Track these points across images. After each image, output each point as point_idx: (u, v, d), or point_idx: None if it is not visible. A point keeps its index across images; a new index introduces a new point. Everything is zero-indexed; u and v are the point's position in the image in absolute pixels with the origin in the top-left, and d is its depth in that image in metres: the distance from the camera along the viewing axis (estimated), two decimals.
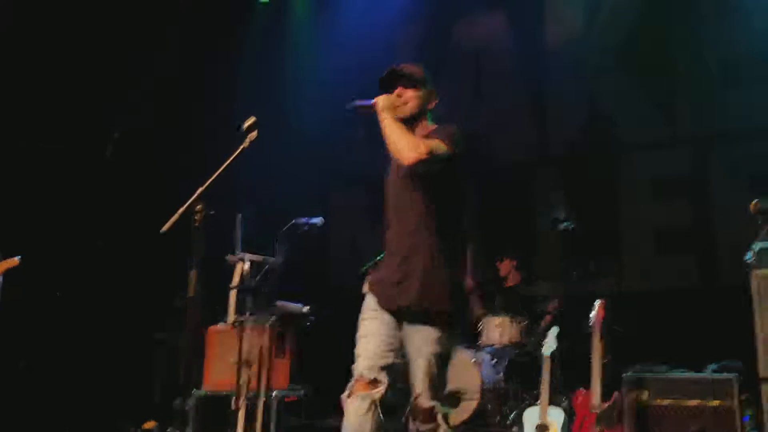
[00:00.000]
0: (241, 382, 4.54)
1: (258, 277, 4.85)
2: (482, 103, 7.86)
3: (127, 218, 6.98)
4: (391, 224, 3.28)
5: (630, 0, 7.21)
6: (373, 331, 3.06)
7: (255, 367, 4.65)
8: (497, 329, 5.76)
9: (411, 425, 3.05)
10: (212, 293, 5.92)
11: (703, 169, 6.70)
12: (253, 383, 4.63)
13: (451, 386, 5.53)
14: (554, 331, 5.35)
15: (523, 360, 5.84)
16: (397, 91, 3.24)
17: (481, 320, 5.93)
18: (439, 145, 3.04)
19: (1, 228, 5.64)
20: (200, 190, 3.75)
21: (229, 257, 4.90)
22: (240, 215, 5.18)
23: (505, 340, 5.74)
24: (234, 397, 4.58)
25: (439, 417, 2.99)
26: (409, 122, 3.19)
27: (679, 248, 6.66)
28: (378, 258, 6.50)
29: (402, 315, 3.05)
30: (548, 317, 6.00)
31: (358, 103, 3.29)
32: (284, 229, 5.03)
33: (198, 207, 3.81)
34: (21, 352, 6.50)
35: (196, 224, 3.86)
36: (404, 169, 3.12)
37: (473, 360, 5.56)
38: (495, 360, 5.74)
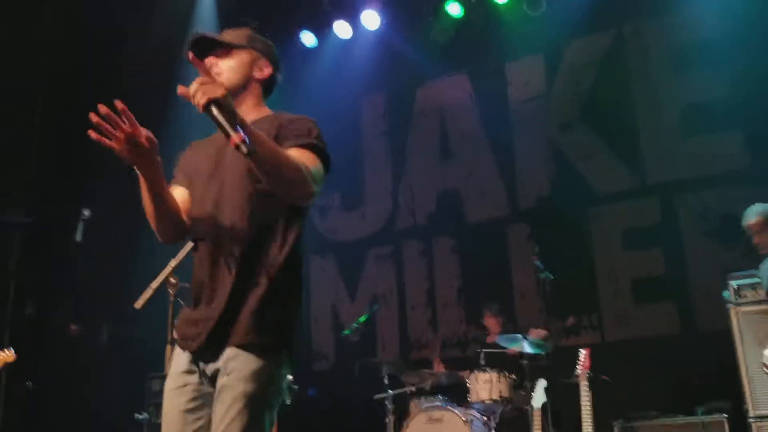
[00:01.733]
0: None
1: None
2: (450, 161, 7.97)
3: (98, 296, 6.86)
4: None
5: (588, 56, 7.44)
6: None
7: None
8: (485, 385, 5.68)
9: None
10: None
11: (672, 217, 6.81)
12: None
13: None
14: (542, 383, 5.31)
15: (513, 415, 5.76)
16: (209, 60, 2.46)
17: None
18: (316, 159, 2.39)
19: None
20: (173, 262, 3.71)
21: None
22: None
23: (495, 395, 5.66)
24: None
25: None
26: (233, 95, 2.23)
27: (656, 296, 6.70)
28: (356, 324, 6.51)
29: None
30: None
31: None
32: None
33: (172, 280, 3.77)
34: None
35: (172, 297, 3.81)
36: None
37: (463, 419, 5.46)
38: (485, 417, 5.65)
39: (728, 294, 5.09)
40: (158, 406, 6.54)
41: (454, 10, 7.76)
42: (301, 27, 8.25)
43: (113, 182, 7.58)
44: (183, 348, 2.39)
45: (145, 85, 7.49)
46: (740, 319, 5.01)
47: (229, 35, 2.57)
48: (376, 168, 8.37)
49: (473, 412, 5.71)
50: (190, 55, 2.23)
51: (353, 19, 8.07)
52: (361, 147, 8.50)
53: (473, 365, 6.10)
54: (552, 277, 5.92)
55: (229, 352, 2.26)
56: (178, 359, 2.40)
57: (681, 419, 5.30)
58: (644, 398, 5.82)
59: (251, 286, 2.31)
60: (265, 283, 2.31)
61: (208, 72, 2.20)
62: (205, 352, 2.31)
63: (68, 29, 7.30)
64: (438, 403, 5.74)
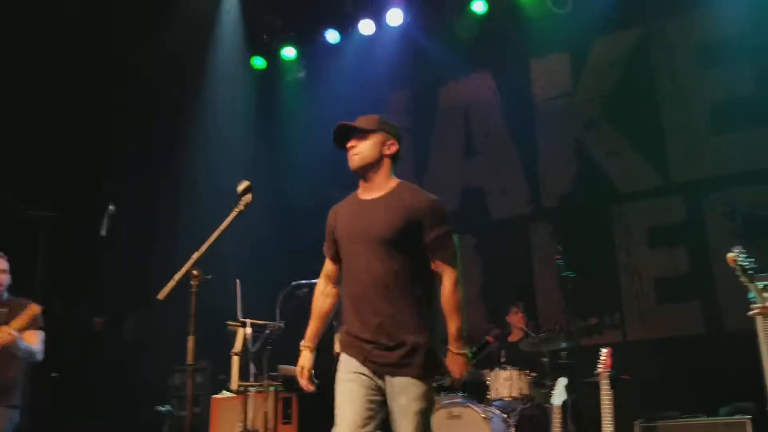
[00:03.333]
0: None
1: (259, 342, 4.80)
2: (473, 159, 7.96)
3: (122, 289, 6.95)
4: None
5: (614, 54, 7.38)
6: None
7: None
8: (506, 383, 5.68)
9: None
10: (215, 362, 5.89)
11: (697, 215, 6.75)
12: None
13: None
14: (563, 381, 5.28)
15: (533, 412, 5.75)
16: (351, 143, 3.22)
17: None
18: (453, 252, 3.12)
19: None
20: (196, 255, 3.74)
21: (230, 323, 4.86)
22: (239, 281, 5.18)
23: (515, 393, 5.65)
24: None
25: None
26: (370, 169, 3.19)
27: (680, 295, 6.64)
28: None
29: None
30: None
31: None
32: (285, 292, 5.01)
33: (195, 272, 3.80)
34: None
35: (193, 290, 3.85)
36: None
37: (483, 415, 5.46)
38: (505, 414, 5.64)
39: (754, 295, 5.02)
40: (180, 399, 6.68)
41: (479, 7, 7.75)
42: (325, 24, 8.28)
43: (136, 177, 7.74)
44: None
45: (171, 80, 7.60)
46: (766, 320, 4.94)
47: (364, 122, 3.23)
48: (400, 165, 8.34)
49: (493, 409, 5.70)
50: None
51: (377, 16, 8.10)
52: None
53: (493, 363, 6.09)
54: (574, 275, 5.89)
55: None
56: None
57: (703, 419, 5.24)
58: (666, 398, 5.78)
59: None
60: None
61: None
62: None
63: (90, 24, 7.40)
64: (458, 400, 5.74)
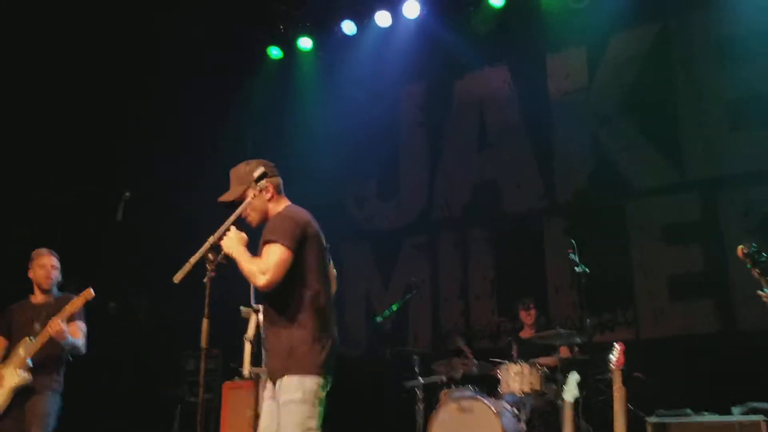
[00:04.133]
0: None
1: None
2: (488, 153, 7.93)
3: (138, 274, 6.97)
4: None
5: (632, 49, 7.33)
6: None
7: None
8: (517, 377, 5.65)
9: None
10: (227, 348, 5.88)
11: (713, 213, 6.69)
12: None
13: None
14: (575, 377, 5.25)
15: (545, 408, 5.72)
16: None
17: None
18: (277, 255, 3.39)
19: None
20: (211, 239, 3.72)
21: (243, 309, 4.84)
22: None
23: (526, 388, 5.62)
24: None
25: None
26: (266, 219, 3.64)
27: (694, 293, 6.59)
28: (388, 312, 6.53)
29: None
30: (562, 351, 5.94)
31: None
32: None
33: (210, 256, 3.79)
34: None
35: (209, 273, 3.84)
36: None
37: (494, 410, 5.44)
38: (516, 408, 5.62)
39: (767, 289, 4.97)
40: (192, 384, 6.69)
41: (496, 0, 7.71)
42: (342, 15, 8.27)
43: (153, 162, 7.75)
44: None
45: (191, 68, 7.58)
46: None
47: (233, 189, 3.66)
48: (413, 158, 8.37)
49: (504, 403, 5.68)
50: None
51: (394, 8, 8.07)
52: (398, 137, 8.50)
53: (504, 357, 6.07)
54: (588, 271, 5.85)
55: None
56: None
57: (716, 418, 5.19)
58: (679, 396, 5.72)
59: None
60: None
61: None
62: None
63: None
64: (469, 393, 5.72)
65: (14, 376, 4.78)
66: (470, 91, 8.19)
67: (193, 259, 3.58)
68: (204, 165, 8.30)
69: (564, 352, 5.94)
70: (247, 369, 4.66)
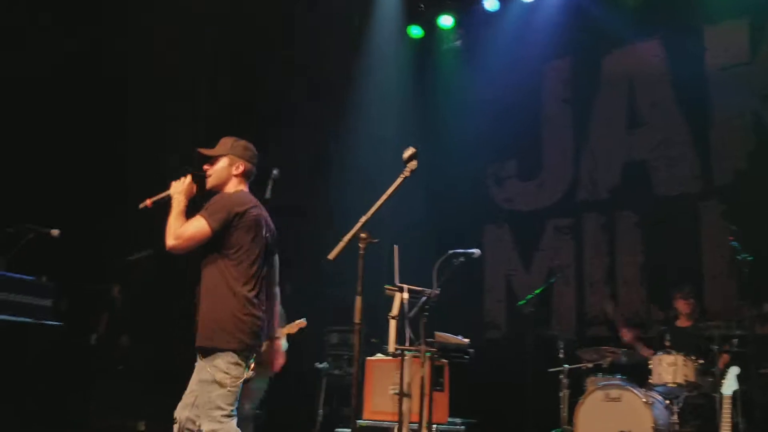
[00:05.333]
0: (401, 413, 4.47)
1: (416, 308, 4.80)
2: (638, 131, 7.55)
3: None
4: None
5: None
6: None
7: (415, 399, 4.58)
8: (670, 368, 5.38)
9: None
10: (366, 325, 5.96)
11: None
12: (413, 415, 4.56)
13: (620, 427, 5.22)
14: (734, 370, 4.94)
15: (699, 401, 5.43)
16: (205, 166, 3.87)
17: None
18: (198, 229, 3.62)
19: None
20: (364, 218, 3.76)
21: (387, 288, 4.89)
22: (397, 246, 5.20)
23: (679, 379, 5.35)
24: (394, 429, 4.53)
25: None
26: (221, 187, 3.85)
27: None
28: (531, 296, 6.40)
29: None
30: (725, 356, 5.56)
31: (152, 200, 3.81)
32: (442, 260, 4.97)
33: (363, 235, 3.83)
34: None
35: (361, 252, 3.88)
36: None
37: (644, 400, 5.21)
38: (668, 400, 5.36)
39: None
40: (336, 357, 6.84)
41: None
42: None
43: (300, 141, 7.96)
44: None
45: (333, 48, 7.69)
46: None
47: (217, 148, 3.90)
48: (557, 136, 8.10)
49: (654, 394, 5.44)
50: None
51: None
52: (541, 114, 8.25)
53: (656, 346, 5.81)
54: (751, 259, 5.46)
55: None
56: None
57: None
58: None
59: None
60: None
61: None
62: None
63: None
64: (617, 382, 5.52)
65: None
66: (619, 66, 7.81)
67: (346, 238, 3.65)
68: (343, 145, 8.46)
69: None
70: (392, 346, 4.71)
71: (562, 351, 6.09)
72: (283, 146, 7.63)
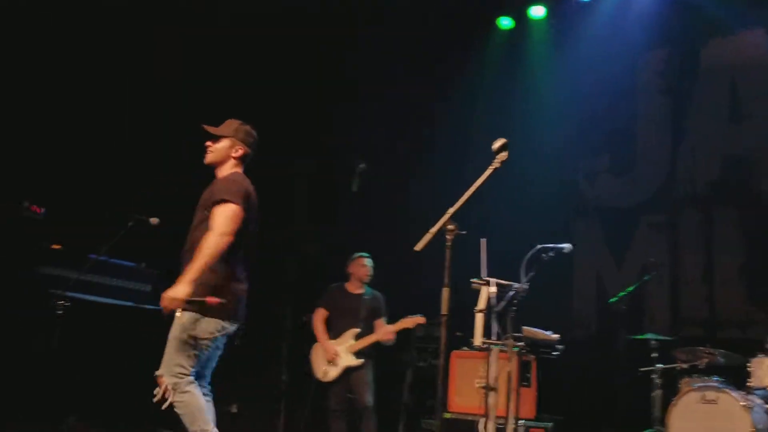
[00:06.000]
0: (488, 407, 4.44)
1: (503, 302, 4.75)
2: (741, 125, 7.20)
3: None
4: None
5: None
6: None
7: (501, 394, 4.55)
8: None
9: None
10: (454, 317, 5.96)
11: None
12: (500, 410, 4.52)
13: (716, 430, 5.02)
14: None
15: None
16: (207, 143, 4.13)
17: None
18: (231, 212, 3.86)
19: None
20: (452, 209, 3.76)
21: (474, 281, 4.86)
22: (484, 240, 5.16)
23: None
24: (480, 422, 4.50)
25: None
26: (218, 165, 4.13)
27: None
28: (623, 293, 6.22)
29: None
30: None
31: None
32: (530, 254, 4.90)
33: (450, 226, 3.83)
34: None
35: (448, 243, 3.88)
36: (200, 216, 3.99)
37: (742, 403, 4.99)
38: None
39: None
40: (421, 349, 6.85)
41: None
42: None
43: (381, 135, 8.00)
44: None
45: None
46: None
47: (222, 128, 4.16)
48: (652, 130, 7.81)
49: (754, 398, 5.21)
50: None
51: None
52: (635, 107, 7.97)
53: (755, 348, 5.54)
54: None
55: None
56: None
57: None
58: None
59: None
60: None
61: None
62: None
63: None
64: (713, 384, 5.31)
65: (350, 359, 5.86)
66: (720, 56, 7.45)
67: (434, 229, 3.66)
68: (431, 139, 8.45)
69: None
70: (478, 340, 4.68)
71: (655, 351, 5.90)
72: (377, 134, 7.67)
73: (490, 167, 3.78)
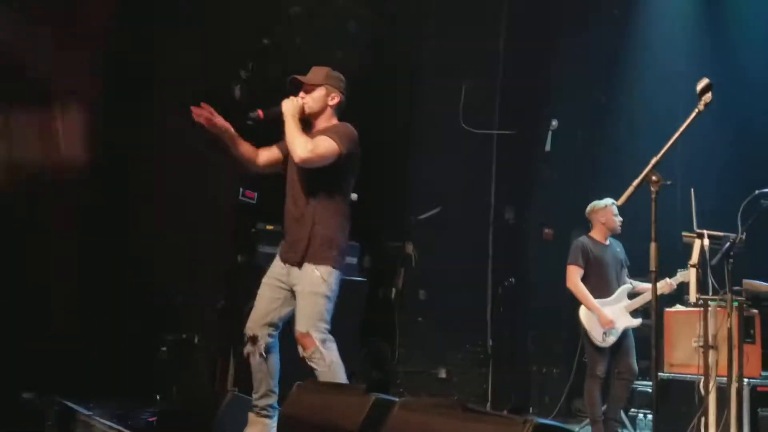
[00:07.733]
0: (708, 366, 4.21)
1: (719, 255, 4.45)
2: None
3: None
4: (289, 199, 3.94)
5: None
6: (261, 295, 3.91)
7: (722, 352, 4.28)
8: None
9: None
10: (662, 274, 5.69)
11: None
12: (721, 369, 4.27)
13: None
14: None
15: None
16: (300, 94, 3.89)
17: None
18: (328, 147, 3.71)
19: None
20: (654, 159, 3.58)
21: (685, 234, 4.61)
22: (694, 189, 4.87)
23: None
24: (699, 382, 4.28)
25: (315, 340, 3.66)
26: (316, 117, 3.92)
27: None
28: None
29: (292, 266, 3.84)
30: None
31: (263, 111, 3.83)
32: (747, 201, 4.54)
33: (654, 177, 3.65)
34: None
35: (653, 196, 3.70)
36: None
37: None
38: None
39: None
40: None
41: None
42: None
43: (574, 96, 7.70)
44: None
45: None
46: None
47: (312, 76, 3.93)
48: None
49: None
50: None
51: None
52: None
53: None
54: None
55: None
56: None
57: None
58: None
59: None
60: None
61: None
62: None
63: None
64: None
65: (627, 320, 5.41)
66: None
67: (636, 182, 3.52)
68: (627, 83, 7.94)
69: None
70: (693, 296, 4.45)
71: None
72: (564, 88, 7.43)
73: (694, 111, 3.55)
